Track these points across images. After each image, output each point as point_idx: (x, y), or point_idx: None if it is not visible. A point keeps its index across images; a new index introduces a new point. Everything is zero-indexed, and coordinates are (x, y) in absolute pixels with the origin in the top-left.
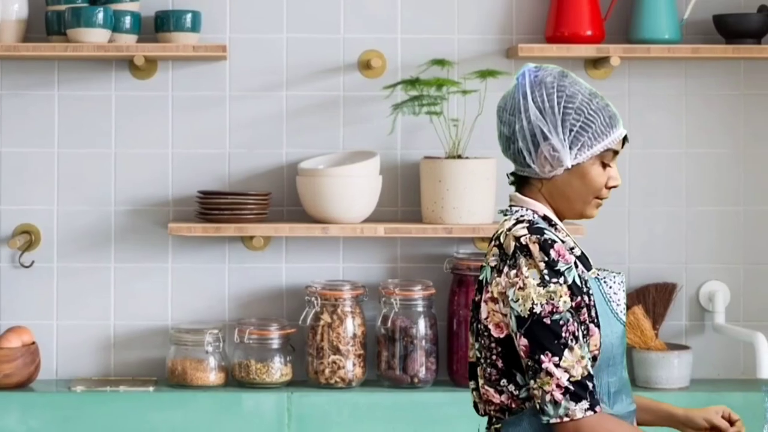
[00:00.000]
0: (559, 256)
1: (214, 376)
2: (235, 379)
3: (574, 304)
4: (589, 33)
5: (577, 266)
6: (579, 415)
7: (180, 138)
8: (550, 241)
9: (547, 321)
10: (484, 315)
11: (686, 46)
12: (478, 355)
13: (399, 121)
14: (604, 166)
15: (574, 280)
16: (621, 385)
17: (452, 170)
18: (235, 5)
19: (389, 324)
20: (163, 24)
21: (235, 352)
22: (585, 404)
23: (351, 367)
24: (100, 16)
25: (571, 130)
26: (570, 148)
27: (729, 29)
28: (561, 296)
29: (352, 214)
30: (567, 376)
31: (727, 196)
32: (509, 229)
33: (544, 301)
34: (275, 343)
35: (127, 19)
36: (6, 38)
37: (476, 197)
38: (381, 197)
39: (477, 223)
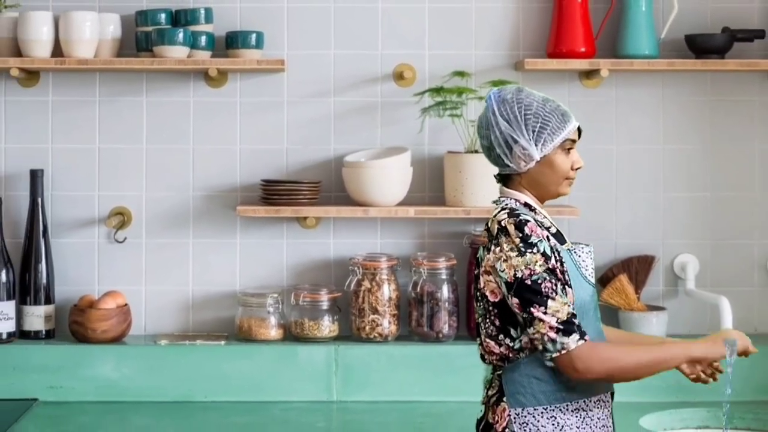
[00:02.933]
0: (532, 231)
1: (274, 332)
2: (292, 335)
3: (549, 266)
4: (582, 49)
5: (549, 240)
6: (572, 345)
7: (246, 136)
8: (523, 221)
9: (528, 282)
10: (481, 285)
11: (663, 60)
12: (481, 315)
13: (426, 122)
14: (566, 152)
15: (545, 250)
16: (596, 335)
17: (470, 163)
18: (292, 27)
19: (418, 289)
20: (232, 42)
21: (292, 312)
22: (576, 336)
23: (387, 325)
24: (181, 35)
25: (533, 131)
26: (536, 145)
27: (698, 47)
28: (536, 262)
29: (388, 198)
30: (555, 318)
31: (696, 184)
32: (494, 216)
33: (523, 267)
34: (324, 305)
35: (203, 38)
36: (103, 54)
37: (490, 185)
38: (412, 185)
39: (490, 206)
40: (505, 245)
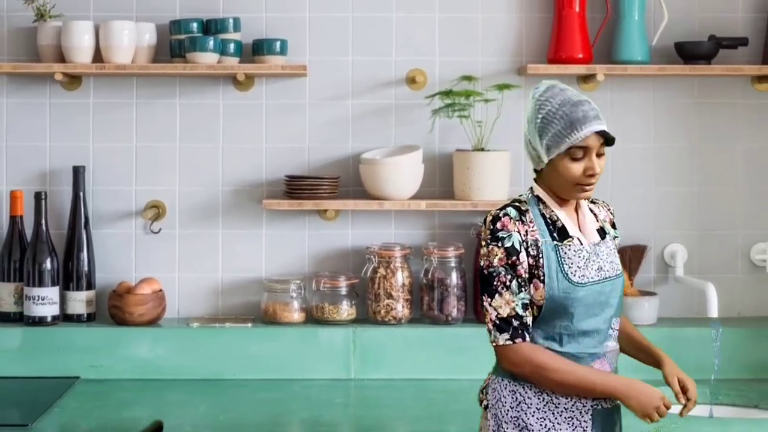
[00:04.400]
0: (503, 226)
1: (297, 316)
2: (313, 318)
3: (508, 262)
4: (580, 56)
5: (528, 234)
6: (501, 342)
7: (271, 136)
8: (500, 216)
9: (485, 272)
10: None
11: (654, 66)
12: None
13: (437, 122)
14: (575, 159)
15: (512, 245)
16: (583, 331)
17: (477, 160)
18: (313, 35)
19: (429, 276)
20: (258, 49)
21: (313, 297)
22: (506, 336)
23: (400, 309)
24: (211, 43)
25: (540, 135)
26: (542, 148)
27: (686, 53)
28: (496, 254)
29: (402, 193)
30: (495, 313)
31: (685, 180)
32: None
33: (484, 258)
34: (343, 290)
35: (232, 46)
36: (140, 60)
37: (495, 180)
38: (423, 180)
39: (496, 199)
40: (482, 236)
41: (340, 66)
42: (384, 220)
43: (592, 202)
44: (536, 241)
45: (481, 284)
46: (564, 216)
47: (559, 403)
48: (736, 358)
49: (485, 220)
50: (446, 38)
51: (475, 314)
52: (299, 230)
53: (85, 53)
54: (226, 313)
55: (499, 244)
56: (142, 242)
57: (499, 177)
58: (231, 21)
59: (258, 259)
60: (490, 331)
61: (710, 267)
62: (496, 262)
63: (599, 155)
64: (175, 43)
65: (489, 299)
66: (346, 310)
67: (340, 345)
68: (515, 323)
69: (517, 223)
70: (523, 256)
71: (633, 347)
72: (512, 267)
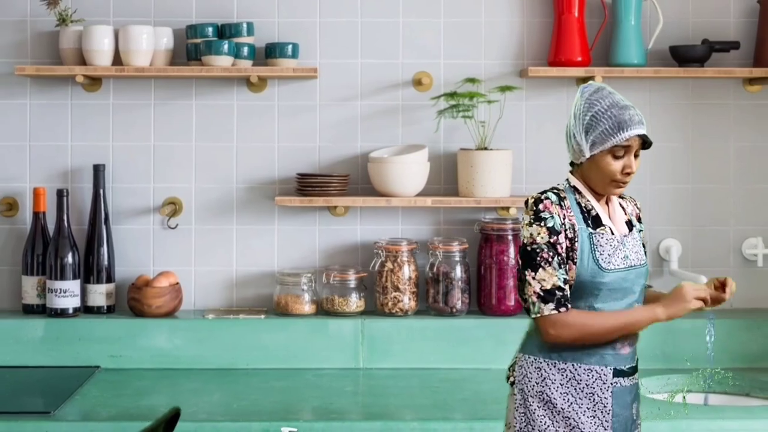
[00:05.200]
0: (545, 208)
1: (308, 308)
2: (323, 310)
3: (551, 240)
4: (579, 59)
5: (565, 219)
6: (546, 312)
7: (283, 135)
8: (542, 198)
9: (528, 248)
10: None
11: (650, 68)
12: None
13: (442, 122)
14: (616, 157)
15: (554, 225)
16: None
17: (480, 158)
18: (324, 39)
19: (435, 270)
20: (271, 52)
21: (323, 289)
22: (551, 306)
23: (407, 301)
24: (226, 46)
25: (586, 132)
26: (586, 143)
27: (681, 56)
28: (539, 233)
29: (408, 190)
30: (539, 285)
31: (679, 177)
32: None
33: (528, 235)
34: (352, 284)
35: (245, 49)
36: (158, 63)
37: (497, 178)
38: (429, 178)
39: (498, 196)
40: (525, 215)
41: (349, 69)
42: (391, 216)
43: (621, 197)
44: (573, 225)
45: (523, 260)
46: (596, 203)
47: (581, 380)
48: (729, 348)
49: (526, 202)
50: (451, 42)
51: (478, 306)
52: (310, 226)
53: (105, 56)
54: (240, 305)
55: (542, 224)
56: (159, 237)
57: (501, 175)
58: (245, 25)
59: (270, 253)
60: (533, 304)
61: (703, 261)
62: (539, 239)
63: (636, 156)
64: (192, 47)
65: (532, 273)
66: (354, 302)
67: (349, 336)
68: (558, 294)
69: (556, 206)
70: (562, 237)
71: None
72: (553, 246)
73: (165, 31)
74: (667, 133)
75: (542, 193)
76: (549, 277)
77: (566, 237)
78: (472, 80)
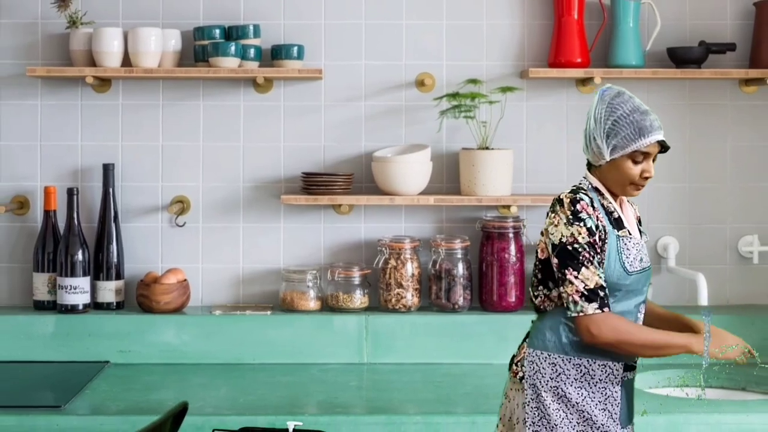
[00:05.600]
0: (582, 208)
1: (313, 304)
2: (328, 306)
3: (591, 240)
4: (579, 60)
5: (599, 219)
6: (590, 311)
7: (289, 135)
8: (579, 198)
9: (570, 248)
10: (538, 243)
11: (648, 69)
12: (533, 271)
13: (444, 122)
14: (636, 162)
15: (591, 226)
16: (622, 312)
17: (482, 158)
18: (329, 41)
19: (437, 267)
20: (277, 54)
21: (328, 286)
22: (595, 305)
23: (410, 297)
24: (233, 48)
25: (608, 136)
26: (607, 147)
27: (678, 58)
28: (580, 233)
29: (411, 188)
30: (583, 285)
31: (677, 176)
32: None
33: (568, 234)
34: (356, 280)
35: (252, 51)
36: (166, 64)
37: (498, 177)
38: (431, 177)
39: (499, 195)
40: (560, 213)
41: (354, 70)
42: (395, 215)
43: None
44: (604, 227)
45: (563, 259)
46: (617, 207)
47: (594, 375)
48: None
49: (561, 202)
50: (453, 44)
51: (480, 303)
52: (315, 224)
53: (115, 58)
54: (247, 301)
55: (581, 224)
56: (167, 235)
57: (502, 174)
58: (251, 27)
59: (276, 250)
60: (575, 303)
61: (700, 258)
62: (580, 239)
63: (653, 160)
64: (199, 49)
65: (575, 272)
66: (359, 298)
67: (354, 331)
68: (601, 293)
69: (590, 207)
70: (597, 237)
71: (658, 320)
72: (593, 246)
73: (173, 33)
74: (665, 133)
75: (574, 193)
76: (592, 276)
77: (600, 238)
78: (473, 81)
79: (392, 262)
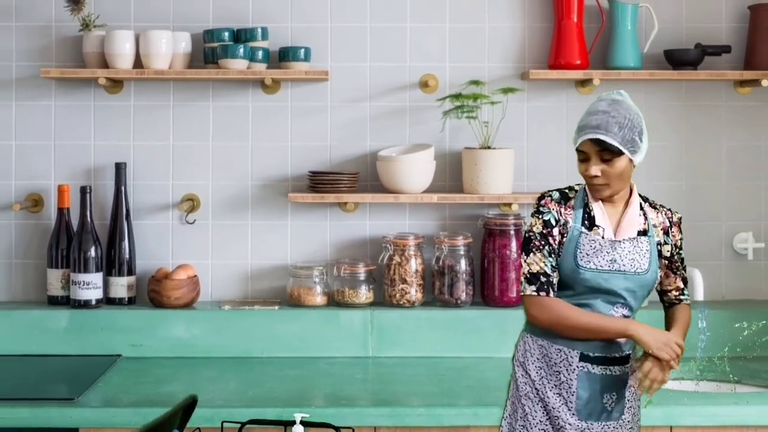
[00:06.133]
0: (545, 204)
1: (319, 299)
2: (334, 301)
3: (544, 231)
4: (578, 62)
5: (563, 215)
6: (528, 292)
7: (296, 135)
8: (545, 195)
9: (527, 235)
10: None
11: (645, 71)
12: None
13: (447, 123)
14: (581, 161)
15: (549, 219)
16: (580, 304)
17: (484, 157)
18: (335, 43)
19: (440, 263)
20: (284, 56)
21: (334, 282)
22: (533, 288)
23: (414, 293)
24: (241, 50)
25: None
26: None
27: (675, 60)
28: (536, 224)
29: (415, 187)
30: (528, 268)
31: (674, 175)
32: None
33: (529, 224)
34: (362, 276)
35: (260, 53)
36: (177, 66)
37: (500, 175)
38: (435, 175)
39: (500, 193)
40: (534, 206)
41: (359, 71)
42: (399, 212)
43: (654, 206)
44: (567, 223)
45: (522, 245)
46: (599, 208)
47: (551, 358)
48: (721, 337)
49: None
50: (456, 46)
51: (482, 298)
52: (322, 221)
53: (127, 60)
54: (255, 296)
55: (540, 217)
56: (178, 232)
57: (503, 173)
58: (259, 30)
59: (284, 247)
60: (522, 283)
61: (697, 254)
62: (535, 229)
63: (606, 161)
64: (209, 51)
65: (525, 257)
66: (364, 294)
67: (359, 326)
68: (542, 279)
69: (556, 204)
70: (555, 231)
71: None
72: (545, 236)
73: (183, 36)
74: (661, 133)
75: (550, 190)
76: (536, 262)
77: (559, 232)
78: (476, 82)
79: (396, 258)
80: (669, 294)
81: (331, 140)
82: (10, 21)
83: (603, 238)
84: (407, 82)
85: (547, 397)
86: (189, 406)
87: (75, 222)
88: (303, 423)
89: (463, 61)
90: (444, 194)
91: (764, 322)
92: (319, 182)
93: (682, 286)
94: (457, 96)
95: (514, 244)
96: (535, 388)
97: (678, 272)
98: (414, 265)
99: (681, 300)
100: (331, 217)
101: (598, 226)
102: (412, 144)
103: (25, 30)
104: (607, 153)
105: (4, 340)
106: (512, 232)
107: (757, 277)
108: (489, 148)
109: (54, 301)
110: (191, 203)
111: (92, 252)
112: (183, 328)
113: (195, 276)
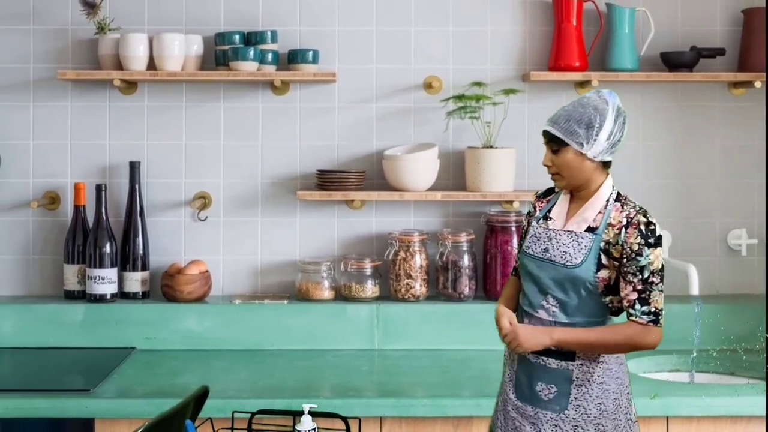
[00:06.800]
0: (533, 198)
1: (327, 293)
2: (341, 295)
3: (524, 222)
4: (577, 64)
5: (537, 208)
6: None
7: (304, 135)
8: (536, 192)
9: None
10: None
11: (642, 73)
12: None
13: (450, 123)
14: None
15: (528, 212)
16: (523, 290)
17: (486, 156)
18: (342, 46)
19: (444, 258)
20: (293, 58)
21: (341, 277)
22: (513, 272)
23: (418, 287)
24: (251, 53)
25: None
26: None
27: (671, 62)
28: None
29: (420, 185)
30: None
31: (669, 173)
32: None
33: None
34: (368, 271)
35: (269, 55)
36: (189, 68)
37: (502, 174)
38: (439, 174)
39: (502, 191)
40: None
41: (366, 73)
42: (404, 209)
43: (623, 205)
44: (534, 214)
45: None
46: (561, 201)
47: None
48: (715, 330)
49: None
50: (459, 48)
51: (484, 292)
52: (329, 218)
53: (141, 62)
54: (265, 291)
55: (527, 210)
56: (190, 228)
57: (505, 171)
58: (269, 33)
59: (293, 243)
60: None
61: (692, 250)
62: (524, 218)
63: (554, 152)
64: (220, 53)
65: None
66: (370, 288)
67: (365, 319)
68: (516, 263)
69: (537, 198)
70: (526, 221)
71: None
72: (524, 227)
73: (195, 39)
74: (657, 133)
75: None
76: (516, 248)
77: (527, 222)
78: (478, 84)
79: (402, 254)
80: (623, 303)
81: (338, 140)
82: (28, 24)
83: (549, 228)
84: (412, 83)
85: (504, 373)
86: (201, 396)
87: (91, 219)
88: (311, 413)
89: (466, 63)
90: (447, 192)
91: (757, 315)
92: (326, 180)
93: (633, 298)
94: (460, 97)
95: (515, 241)
96: (503, 364)
97: (631, 282)
98: (419, 260)
99: (631, 315)
100: (339, 214)
101: (551, 218)
102: (416, 143)
103: (42, 33)
104: (554, 144)
105: (23, 333)
106: (513, 229)
107: (751, 273)
108: (491, 147)
109: (70, 296)
110: (203, 201)
111: (107, 248)
112: (195, 322)
113: (207, 271)
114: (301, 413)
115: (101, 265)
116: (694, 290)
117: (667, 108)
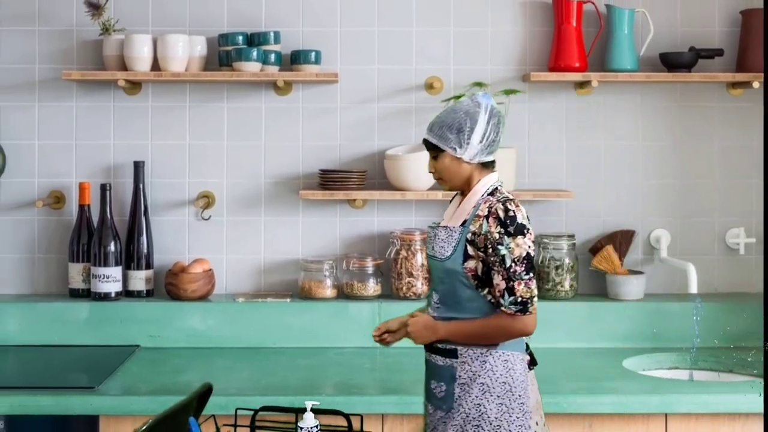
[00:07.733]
0: None
1: (329, 292)
2: (344, 294)
3: None
4: (577, 65)
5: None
6: None
7: (307, 134)
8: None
9: None
10: None
11: (642, 73)
12: None
13: None
14: None
15: None
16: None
17: None
18: (344, 47)
19: None
20: (296, 59)
21: (344, 275)
22: None
23: (420, 285)
24: (255, 53)
25: None
26: None
27: (670, 62)
28: None
29: (421, 184)
30: None
31: (668, 173)
32: None
33: None
34: (370, 270)
35: (272, 56)
36: (193, 69)
37: (502, 174)
38: None
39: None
40: None
41: (367, 74)
42: (405, 209)
43: (493, 196)
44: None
45: None
46: (454, 201)
47: None
48: (714, 328)
49: None
50: (460, 49)
51: None
52: (331, 217)
53: (145, 63)
54: (268, 289)
55: None
56: (194, 227)
57: (505, 171)
58: (272, 34)
59: (295, 242)
60: None
61: (690, 249)
62: None
63: (434, 157)
64: (223, 54)
65: None
66: (372, 287)
67: (367, 317)
68: None
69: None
70: None
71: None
72: None
73: (199, 40)
74: (657, 133)
75: None
76: None
77: None
78: (479, 84)
79: (403, 252)
80: (495, 294)
81: (340, 140)
82: (34, 25)
83: (436, 227)
84: (413, 83)
85: None
86: (204, 394)
87: (95, 218)
88: (314, 410)
89: (467, 64)
90: (448, 191)
91: (755, 314)
92: (329, 180)
93: (502, 288)
94: (460, 97)
95: None
96: None
97: (499, 272)
98: (420, 259)
99: (501, 305)
100: (341, 214)
101: (443, 218)
102: (418, 143)
103: (47, 34)
104: (433, 150)
105: (28, 331)
106: None
107: (749, 271)
108: None
109: (75, 294)
110: (206, 200)
111: (112, 247)
112: (199, 320)
113: (210, 270)
114: (304, 410)
115: (106, 264)
116: (693, 289)
117: (666, 108)
